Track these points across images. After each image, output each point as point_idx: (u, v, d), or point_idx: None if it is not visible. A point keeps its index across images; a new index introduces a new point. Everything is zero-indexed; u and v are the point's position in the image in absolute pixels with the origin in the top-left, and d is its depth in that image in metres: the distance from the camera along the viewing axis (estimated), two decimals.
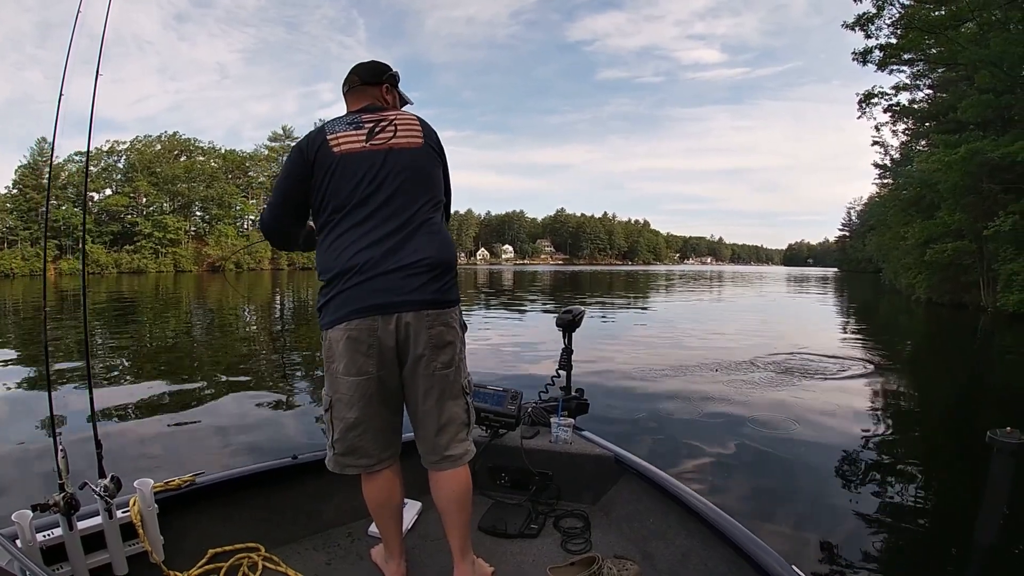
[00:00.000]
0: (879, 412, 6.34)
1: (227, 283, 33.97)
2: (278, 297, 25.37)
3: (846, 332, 14.79)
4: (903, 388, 7.58)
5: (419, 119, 1.84)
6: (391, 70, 1.92)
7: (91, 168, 55.19)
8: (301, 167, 1.74)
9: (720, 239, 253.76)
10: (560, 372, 2.85)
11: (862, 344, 11.65)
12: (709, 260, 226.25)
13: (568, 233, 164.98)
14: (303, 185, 1.75)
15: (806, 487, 4.07)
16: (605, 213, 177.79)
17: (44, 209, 57.06)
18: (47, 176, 60.71)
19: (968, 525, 3.17)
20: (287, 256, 68.53)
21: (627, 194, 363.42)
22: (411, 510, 2.26)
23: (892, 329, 16.51)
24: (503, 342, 10.25)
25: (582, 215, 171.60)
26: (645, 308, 19.90)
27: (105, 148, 61.91)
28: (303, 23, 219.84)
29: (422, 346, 1.68)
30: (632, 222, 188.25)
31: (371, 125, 1.76)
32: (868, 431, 5.45)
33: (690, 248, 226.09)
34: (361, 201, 1.69)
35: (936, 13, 18.95)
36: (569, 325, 2.84)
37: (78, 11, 1.66)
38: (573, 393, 2.83)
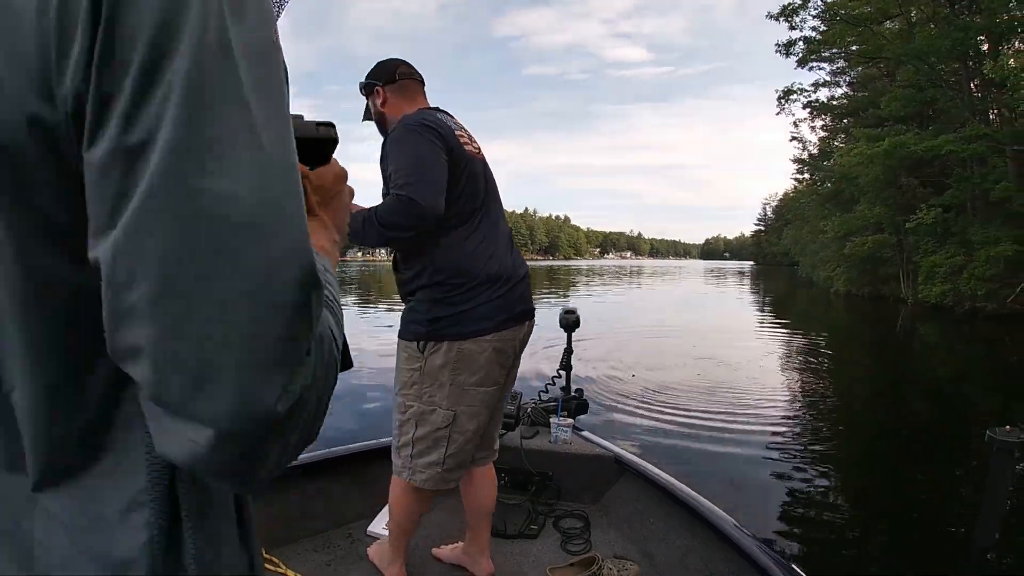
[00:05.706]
0: (871, 411, 6.03)
1: None
2: None
3: (783, 325, 14.54)
4: (859, 379, 7.46)
5: None
6: None
7: None
8: (444, 151, 1.52)
9: (639, 234, 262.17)
10: (560, 372, 2.85)
11: (807, 337, 11.40)
12: (629, 255, 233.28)
13: None
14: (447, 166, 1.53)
15: (783, 483, 3.95)
16: (527, 208, 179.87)
17: None
18: None
19: (962, 523, 3.27)
20: None
21: (549, 190, 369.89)
22: None
23: (820, 321, 16.54)
24: None
25: None
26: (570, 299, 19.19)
27: None
28: None
29: (521, 351, 1.73)
30: (553, 218, 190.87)
31: (464, 131, 1.66)
32: (862, 430, 5.37)
33: (610, 243, 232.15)
34: (488, 204, 1.65)
35: (859, 11, 19.24)
36: (571, 326, 2.84)
37: None
38: (572, 393, 2.80)
